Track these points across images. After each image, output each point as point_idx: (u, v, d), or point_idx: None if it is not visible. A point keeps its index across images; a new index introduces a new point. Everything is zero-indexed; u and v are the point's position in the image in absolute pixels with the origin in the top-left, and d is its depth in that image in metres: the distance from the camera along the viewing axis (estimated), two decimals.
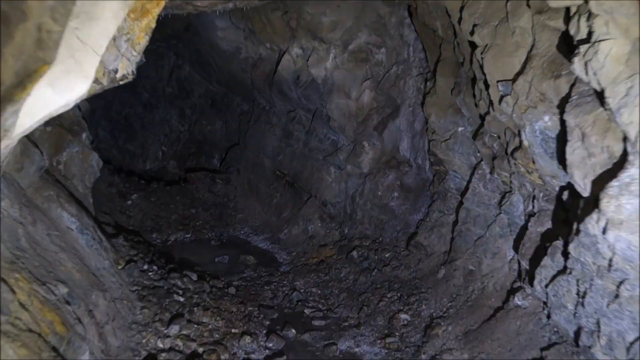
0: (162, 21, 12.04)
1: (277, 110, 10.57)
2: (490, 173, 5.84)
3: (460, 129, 6.54)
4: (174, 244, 9.25)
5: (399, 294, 6.23)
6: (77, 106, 7.29)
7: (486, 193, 5.90)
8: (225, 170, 11.81)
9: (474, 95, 5.68)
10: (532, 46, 4.04)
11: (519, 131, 4.35)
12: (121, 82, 4.48)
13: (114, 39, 4.21)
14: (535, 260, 4.55)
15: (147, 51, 12.55)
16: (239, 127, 12.19)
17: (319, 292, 6.89)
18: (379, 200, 7.94)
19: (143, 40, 4.39)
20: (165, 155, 14.23)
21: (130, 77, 4.45)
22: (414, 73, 7.93)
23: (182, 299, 5.96)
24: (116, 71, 4.30)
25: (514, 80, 4.20)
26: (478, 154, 6.18)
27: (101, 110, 13.77)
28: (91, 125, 13.27)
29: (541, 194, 4.76)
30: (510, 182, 5.36)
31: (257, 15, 9.33)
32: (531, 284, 4.57)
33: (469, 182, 6.32)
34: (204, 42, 11.82)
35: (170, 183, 11.69)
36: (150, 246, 8.01)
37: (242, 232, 9.94)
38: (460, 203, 6.37)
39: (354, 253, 7.44)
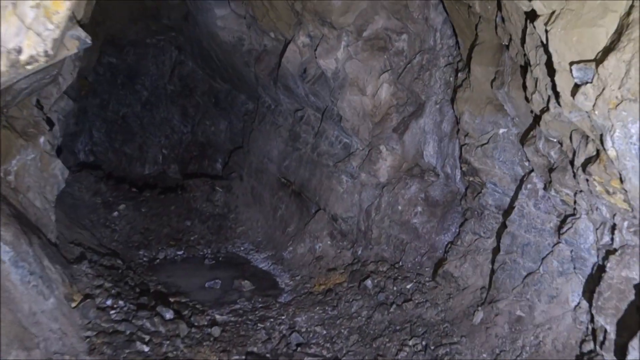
0: (157, 10, 10.86)
1: (283, 109, 9.28)
2: (545, 189, 4.47)
3: (501, 130, 5.18)
4: (162, 263, 8.02)
5: (423, 342, 4.88)
6: (37, 104, 6.08)
7: (538, 215, 4.53)
8: (227, 176, 10.56)
9: (524, 87, 4.31)
10: (631, 7, 2.68)
11: (602, 135, 2.98)
12: (29, 68, 3.22)
13: (14, 4, 2.96)
14: (624, 321, 3.19)
15: (146, 45, 11.35)
16: (243, 128, 10.93)
17: (324, 332, 5.57)
18: (399, 216, 6.60)
19: (63, 8, 3.12)
20: (166, 158, 13.06)
21: (43, 60, 3.17)
22: (441, 63, 6.57)
23: (146, 349, 4.69)
24: (19, 51, 3.04)
25: (598, 61, 2.83)
26: (527, 164, 4.81)
27: (95, 109, 12.64)
28: (83, 126, 12.18)
29: (625, 223, 3.39)
30: (575, 202, 3.99)
31: None
32: (618, 355, 3.21)
33: (514, 199, 4.95)
34: (204, 33, 10.59)
35: (165, 191, 10.48)
36: (127, 270, 6.77)
37: (242, 248, 8.67)
38: (503, 225, 5.00)
39: (368, 282, 6.11)
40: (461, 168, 5.91)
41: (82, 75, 10.56)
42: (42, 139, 5.81)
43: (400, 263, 6.39)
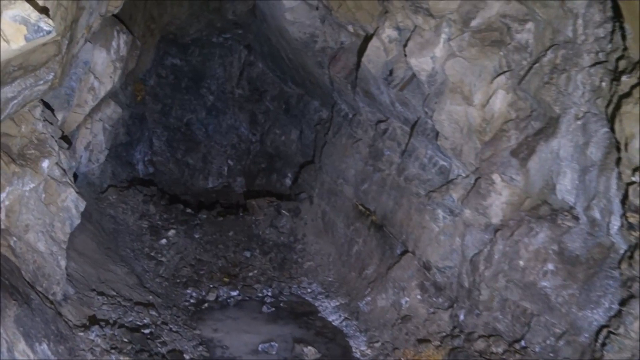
0: (220, 3, 9.47)
1: (363, 119, 7.61)
2: None
3: None
4: (210, 307, 6.59)
5: None
6: (44, 118, 4.74)
7: None
8: (295, 196, 9.01)
9: None
10: None
11: None
12: None
13: None
14: None
15: (212, 44, 10.04)
16: (316, 140, 9.35)
17: None
18: (520, 274, 4.75)
19: None
20: (232, 170, 11.75)
21: None
22: (585, 62, 4.63)
23: None
24: None
25: None
26: None
27: (157, 115, 11.48)
28: (142, 135, 11.04)
29: None
30: None
31: None
32: None
33: None
34: (272, 28, 9.13)
35: (224, 212, 9.08)
36: (161, 326, 5.34)
37: (309, 290, 7.09)
38: None
39: None
40: (624, 217, 3.98)
41: (136, 79, 9.36)
42: (45, 163, 4.46)
43: (523, 343, 4.54)
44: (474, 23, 5.26)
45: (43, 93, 4.06)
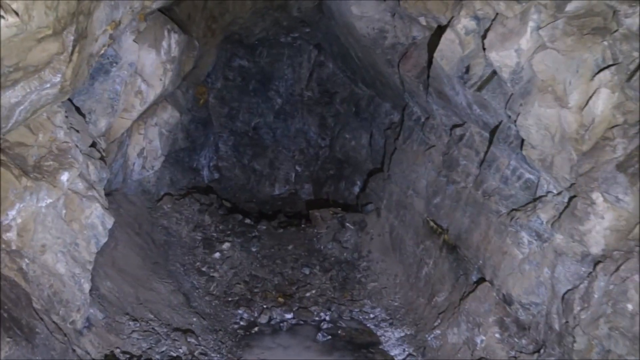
0: (284, 2, 8.77)
1: (436, 123, 6.73)
2: None
3: None
4: (261, 332, 5.96)
5: None
6: (69, 125, 4.27)
7: None
8: (361, 207, 8.24)
9: None
10: None
11: None
12: None
13: None
14: None
15: (281, 45, 9.44)
16: (385, 146, 8.54)
17: None
18: (629, 321, 3.75)
19: None
20: (299, 177, 11.15)
21: None
22: None
23: None
24: None
25: None
26: None
27: (223, 119, 11.08)
28: (207, 139, 10.65)
29: None
30: None
31: None
32: None
33: None
34: (340, 25, 8.42)
35: (286, 222, 8.47)
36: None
37: (372, 316, 6.31)
38: None
39: None
40: None
41: (198, 82, 8.95)
42: (64, 176, 3.97)
43: None
44: (570, 7, 4.28)
45: (55, 97, 3.56)
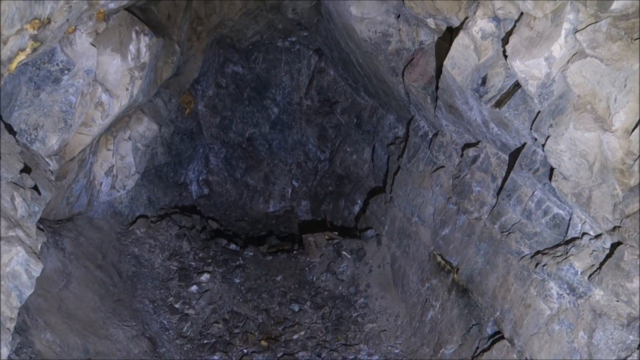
0: (277, 2, 7.71)
1: (446, 140, 5.84)
2: None
3: None
4: None
5: None
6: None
7: None
8: (360, 232, 7.35)
9: None
10: None
11: None
12: None
13: None
14: None
15: (278, 50, 8.38)
16: (388, 163, 7.65)
17: None
18: None
19: None
20: (296, 193, 10.28)
21: None
22: None
23: None
24: None
25: None
26: None
27: (215, 129, 10.24)
28: (196, 152, 9.78)
29: None
30: None
31: None
32: None
33: None
34: (339, 28, 7.56)
35: (275, 247, 7.59)
36: None
37: None
38: None
39: None
40: None
41: (183, 90, 8.11)
42: None
43: None
44: (616, 5, 3.38)
45: None
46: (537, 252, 4.12)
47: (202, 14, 7.54)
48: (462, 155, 5.46)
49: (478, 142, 5.22)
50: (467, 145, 5.39)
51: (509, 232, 4.47)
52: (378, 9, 6.31)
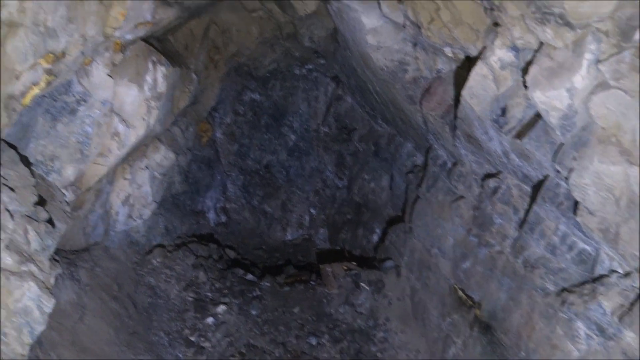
0: (294, 28, 7.87)
1: (466, 170, 5.72)
2: None
3: None
4: None
5: None
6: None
7: None
8: (379, 263, 7.21)
9: None
10: None
11: None
12: None
13: None
14: None
15: (295, 77, 8.41)
16: (407, 192, 7.53)
17: None
18: None
19: None
20: (314, 221, 10.17)
21: None
22: None
23: None
24: None
25: None
26: None
27: (232, 157, 10.23)
28: (213, 179, 9.76)
29: None
30: None
31: None
32: None
33: None
34: (356, 55, 7.53)
35: (293, 277, 7.47)
36: None
37: None
38: None
39: None
40: None
41: (200, 118, 8.12)
42: None
43: None
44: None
45: None
46: (563, 290, 3.96)
47: (219, 43, 7.58)
48: (482, 185, 5.34)
49: (499, 172, 5.09)
50: (488, 176, 5.26)
51: (533, 267, 4.32)
52: (394, 38, 6.27)
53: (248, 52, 8.08)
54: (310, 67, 9.88)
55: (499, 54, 4.26)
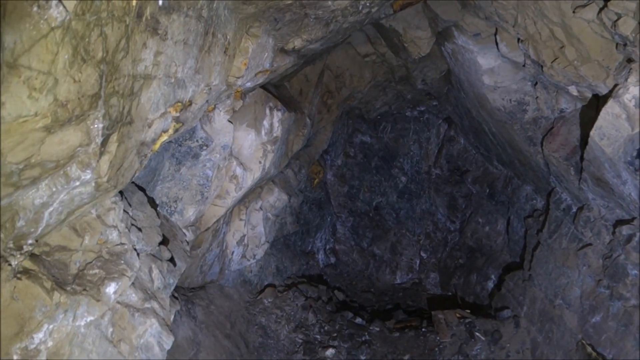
0: (407, 71, 7.92)
1: (593, 216, 5.30)
2: None
3: None
4: None
5: None
6: (128, 223, 3.61)
7: None
8: (495, 312, 6.81)
9: None
10: None
11: None
12: None
13: None
14: None
15: (406, 119, 8.56)
16: (526, 237, 7.12)
17: None
18: None
19: None
20: (424, 264, 9.91)
21: None
22: None
23: None
24: None
25: None
26: None
27: (342, 198, 10.28)
28: (323, 220, 9.86)
29: None
30: None
31: (547, 35, 4.57)
32: None
33: None
34: (471, 96, 7.36)
35: (403, 322, 7.25)
36: None
37: None
38: None
39: None
40: None
41: (312, 160, 8.27)
42: (110, 288, 3.24)
43: None
44: None
45: (91, 197, 2.89)
46: None
47: (333, 87, 7.73)
48: (613, 232, 4.91)
49: (633, 218, 4.66)
50: (620, 222, 4.84)
51: None
52: (513, 78, 6.06)
53: (360, 96, 8.16)
54: (422, 108, 9.81)
55: (634, 92, 3.95)
